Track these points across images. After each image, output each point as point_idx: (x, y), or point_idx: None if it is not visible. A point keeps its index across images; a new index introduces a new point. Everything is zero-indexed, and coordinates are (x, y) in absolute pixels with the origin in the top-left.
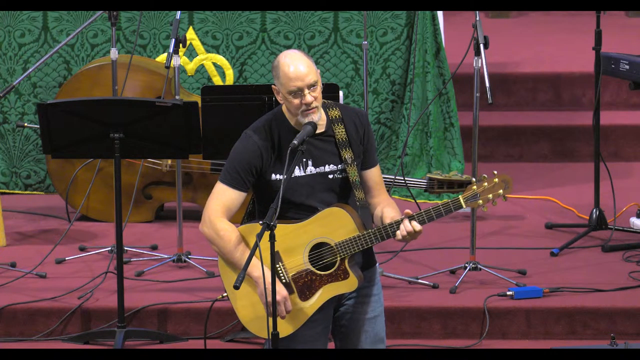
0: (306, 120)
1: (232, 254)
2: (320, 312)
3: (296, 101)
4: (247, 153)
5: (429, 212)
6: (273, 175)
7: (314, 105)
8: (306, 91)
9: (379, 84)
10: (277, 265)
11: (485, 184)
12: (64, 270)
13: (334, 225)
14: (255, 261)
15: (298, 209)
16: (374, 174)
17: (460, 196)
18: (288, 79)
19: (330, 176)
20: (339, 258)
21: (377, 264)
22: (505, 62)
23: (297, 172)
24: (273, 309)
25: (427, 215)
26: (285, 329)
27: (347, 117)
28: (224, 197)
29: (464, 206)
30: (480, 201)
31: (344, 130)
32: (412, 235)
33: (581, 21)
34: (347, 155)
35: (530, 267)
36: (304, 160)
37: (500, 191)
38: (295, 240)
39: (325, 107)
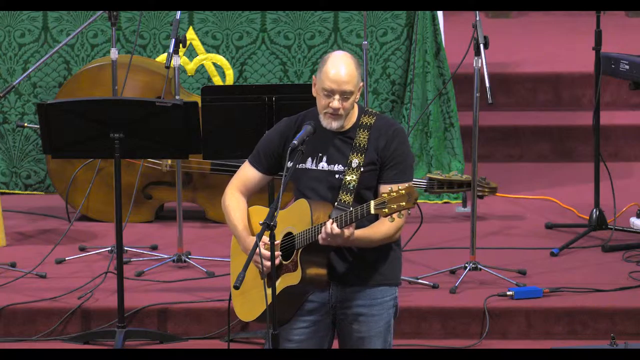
0: (325, 123)
1: (230, 223)
2: (311, 315)
3: (324, 101)
4: (271, 134)
5: (346, 215)
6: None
7: (339, 112)
8: (337, 97)
9: (379, 84)
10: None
11: (394, 194)
12: (64, 270)
13: (298, 216)
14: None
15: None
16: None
17: (372, 201)
18: (327, 78)
19: (337, 176)
20: (296, 249)
21: (387, 287)
22: (505, 62)
23: (309, 164)
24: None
25: (343, 219)
26: (251, 313)
27: (376, 126)
28: (242, 172)
29: (372, 211)
30: (386, 209)
31: (367, 137)
32: (331, 237)
33: (581, 21)
34: (356, 159)
35: (530, 267)
36: (319, 155)
37: (403, 203)
38: (277, 226)
39: (361, 112)
